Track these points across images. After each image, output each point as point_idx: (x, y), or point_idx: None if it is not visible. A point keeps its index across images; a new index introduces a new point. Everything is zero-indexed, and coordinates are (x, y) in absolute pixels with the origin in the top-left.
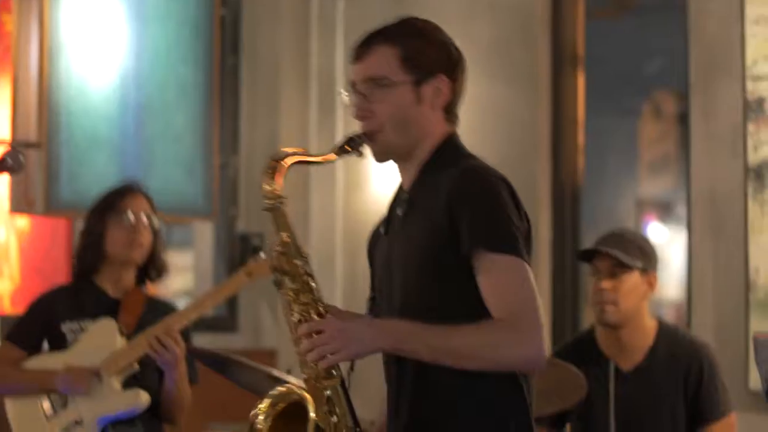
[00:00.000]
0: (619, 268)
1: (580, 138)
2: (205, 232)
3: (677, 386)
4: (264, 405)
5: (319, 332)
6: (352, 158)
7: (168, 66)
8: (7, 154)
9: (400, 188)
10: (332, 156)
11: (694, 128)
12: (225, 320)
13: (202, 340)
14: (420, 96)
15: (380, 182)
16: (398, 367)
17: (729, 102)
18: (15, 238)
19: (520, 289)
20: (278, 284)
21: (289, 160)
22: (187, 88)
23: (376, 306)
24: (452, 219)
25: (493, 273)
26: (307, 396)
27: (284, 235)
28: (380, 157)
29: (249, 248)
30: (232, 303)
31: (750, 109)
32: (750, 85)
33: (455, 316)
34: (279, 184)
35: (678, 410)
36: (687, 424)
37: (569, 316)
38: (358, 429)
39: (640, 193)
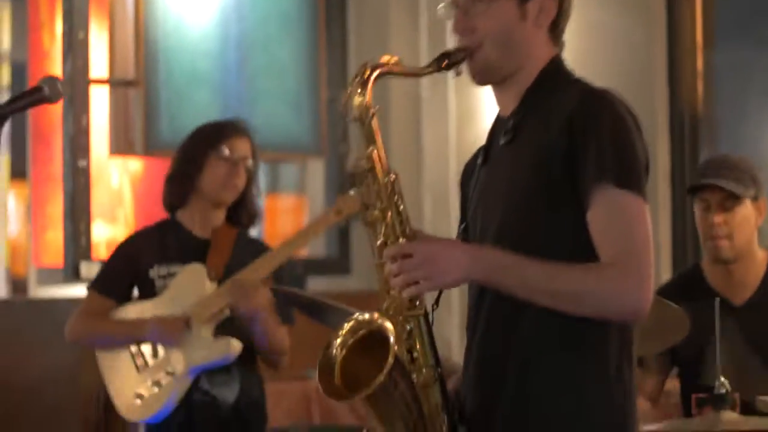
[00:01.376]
0: (731, 200)
1: (699, 64)
2: (315, 170)
3: None
4: (344, 331)
5: (407, 256)
6: (465, 89)
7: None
8: (43, 80)
9: (499, 117)
10: (428, 70)
11: None
12: (338, 262)
13: (317, 284)
14: (525, 12)
15: (494, 114)
16: (489, 303)
17: None
18: (128, 182)
19: (638, 234)
20: (365, 207)
21: (379, 71)
22: (290, 20)
23: (468, 237)
24: (573, 144)
25: (613, 210)
26: (389, 326)
27: (372, 150)
28: (479, 77)
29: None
30: (344, 243)
31: None
32: None
33: (557, 251)
34: (369, 95)
35: None
36: None
37: (691, 252)
38: (439, 369)
39: None
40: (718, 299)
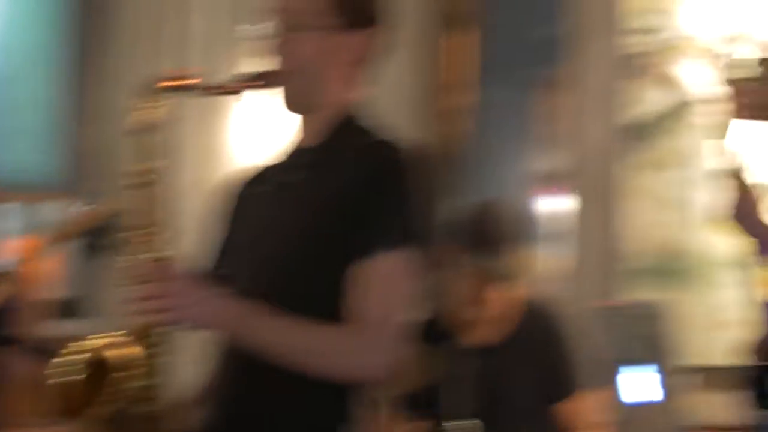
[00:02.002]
0: None
1: (453, 103)
2: (66, 209)
3: (537, 361)
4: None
5: (169, 281)
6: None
7: (12, 30)
8: None
9: (298, 146)
10: (237, 88)
11: (567, 90)
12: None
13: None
14: (347, 45)
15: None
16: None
17: (601, 60)
18: None
19: (395, 297)
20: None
21: (176, 84)
22: (42, 52)
23: (222, 261)
24: (361, 201)
25: (377, 274)
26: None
27: (146, 166)
28: (289, 104)
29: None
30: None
31: (624, 66)
32: (624, 41)
33: (320, 305)
34: (155, 110)
35: (538, 385)
36: (544, 401)
37: None
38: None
39: (534, 166)
40: (470, 339)
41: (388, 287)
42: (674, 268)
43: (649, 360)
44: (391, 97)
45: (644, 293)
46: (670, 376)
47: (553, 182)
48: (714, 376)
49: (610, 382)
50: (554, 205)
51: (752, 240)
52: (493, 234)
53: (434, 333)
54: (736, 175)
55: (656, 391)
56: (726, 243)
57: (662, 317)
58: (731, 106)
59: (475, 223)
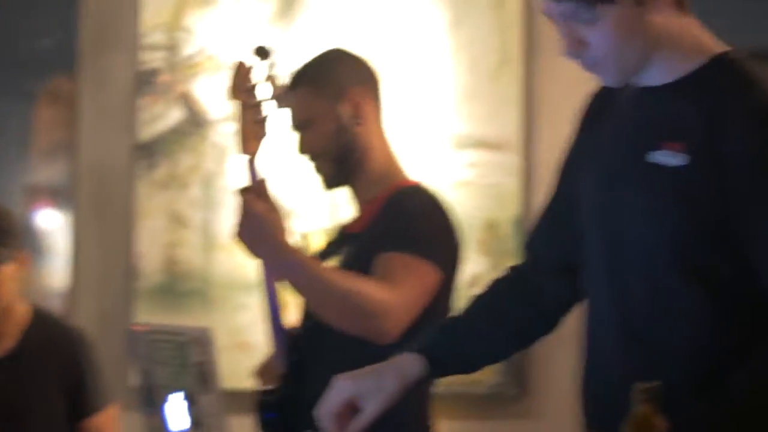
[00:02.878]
0: None
1: None
2: None
3: (53, 375)
4: None
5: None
6: None
7: None
8: None
9: None
10: None
11: (83, 105)
12: None
13: None
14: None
15: None
16: None
17: (120, 75)
18: None
19: None
20: None
21: None
22: None
23: None
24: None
25: None
26: None
27: None
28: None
29: None
30: None
31: (141, 81)
32: (142, 56)
33: None
34: None
35: (55, 401)
36: (66, 416)
37: None
38: None
39: (32, 179)
40: None
41: None
42: (192, 288)
43: (185, 386)
44: None
45: (161, 314)
46: (205, 403)
47: (52, 196)
48: (239, 400)
49: (153, 409)
50: (51, 220)
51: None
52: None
53: None
54: (247, 192)
55: (185, 419)
56: (248, 264)
57: (203, 342)
58: (252, 125)
59: None
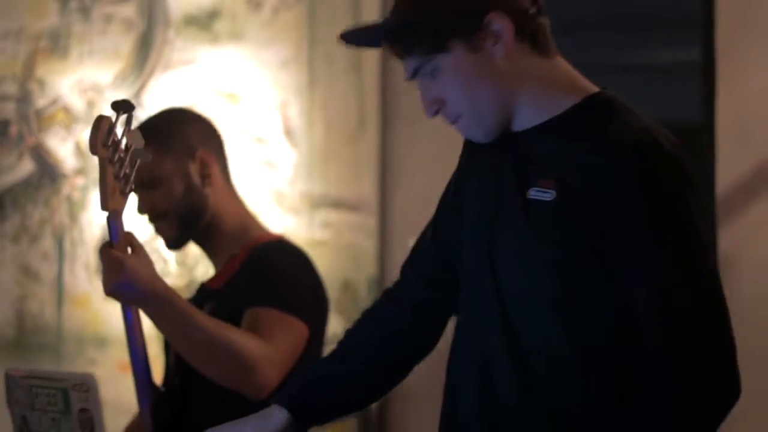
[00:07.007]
0: None
1: None
2: None
3: None
4: None
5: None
6: None
7: None
8: None
9: None
10: None
11: None
12: None
13: None
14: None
15: None
16: None
17: None
18: None
19: None
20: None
21: None
22: None
23: None
24: None
25: None
26: None
27: None
28: None
29: None
30: None
31: None
32: None
33: None
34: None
35: None
36: None
37: None
38: None
39: None
40: None
41: None
42: (43, 342)
43: None
44: None
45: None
46: None
47: None
48: None
49: None
50: None
51: None
52: None
53: None
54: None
55: None
56: (101, 318)
57: (87, 389)
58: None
59: None
